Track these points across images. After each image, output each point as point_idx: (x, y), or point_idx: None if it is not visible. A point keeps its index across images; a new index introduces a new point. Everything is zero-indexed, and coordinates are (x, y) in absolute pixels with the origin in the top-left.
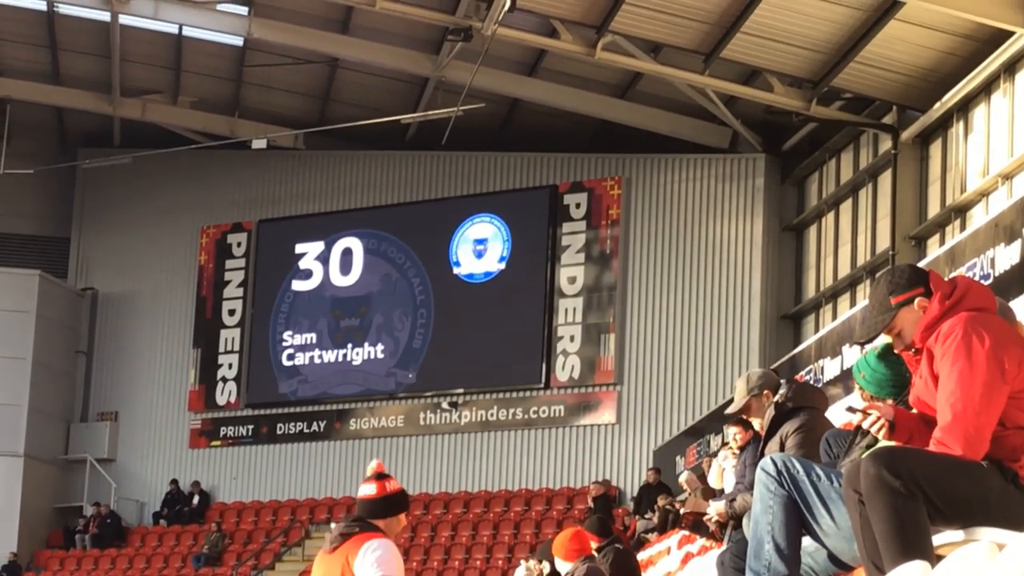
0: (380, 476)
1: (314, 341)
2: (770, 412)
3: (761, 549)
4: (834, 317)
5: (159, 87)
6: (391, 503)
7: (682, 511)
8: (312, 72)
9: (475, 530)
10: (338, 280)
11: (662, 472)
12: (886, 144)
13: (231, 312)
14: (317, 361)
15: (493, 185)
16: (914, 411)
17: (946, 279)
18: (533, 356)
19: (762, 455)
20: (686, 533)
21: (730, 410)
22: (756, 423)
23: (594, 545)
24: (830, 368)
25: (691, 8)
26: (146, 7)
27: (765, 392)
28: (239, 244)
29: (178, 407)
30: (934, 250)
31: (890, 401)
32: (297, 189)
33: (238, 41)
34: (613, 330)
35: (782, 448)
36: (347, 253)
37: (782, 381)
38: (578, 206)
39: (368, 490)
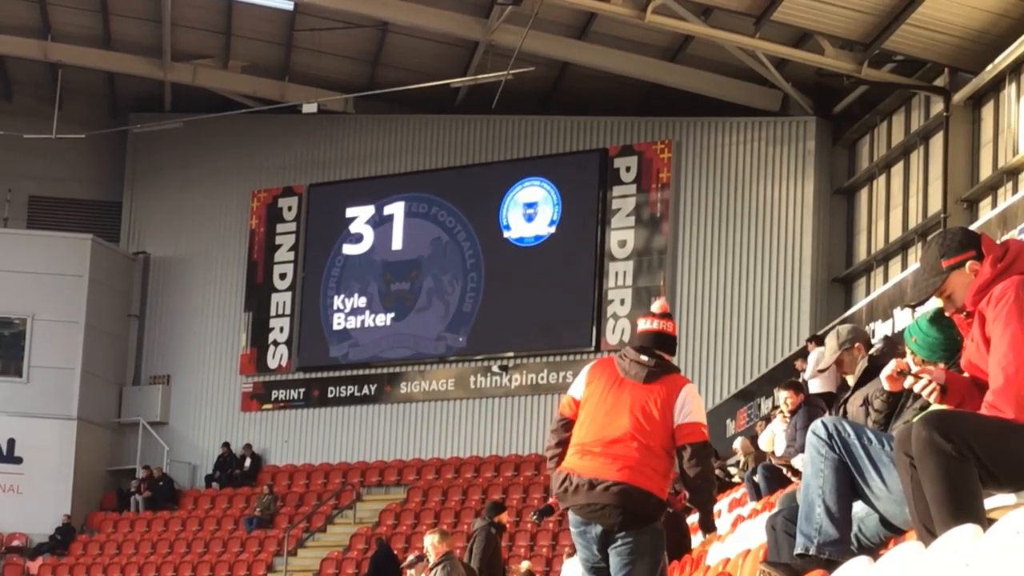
0: (668, 315)
1: (365, 305)
2: (862, 364)
3: (812, 512)
4: (885, 280)
5: (210, 51)
6: (675, 344)
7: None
8: (362, 36)
9: (526, 493)
10: (388, 244)
11: (709, 435)
12: (938, 106)
13: (282, 276)
14: (368, 325)
15: (543, 149)
16: (966, 375)
17: (998, 242)
18: (584, 319)
19: (844, 405)
20: (736, 496)
21: (822, 365)
22: (849, 379)
23: None
24: (881, 331)
25: None
26: None
27: (856, 345)
28: (290, 208)
29: (230, 370)
30: (986, 213)
31: (942, 365)
32: (347, 153)
33: (288, 5)
34: (663, 293)
35: (866, 404)
36: (397, 217)
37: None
38: (628, 169)
39: (662, 326)
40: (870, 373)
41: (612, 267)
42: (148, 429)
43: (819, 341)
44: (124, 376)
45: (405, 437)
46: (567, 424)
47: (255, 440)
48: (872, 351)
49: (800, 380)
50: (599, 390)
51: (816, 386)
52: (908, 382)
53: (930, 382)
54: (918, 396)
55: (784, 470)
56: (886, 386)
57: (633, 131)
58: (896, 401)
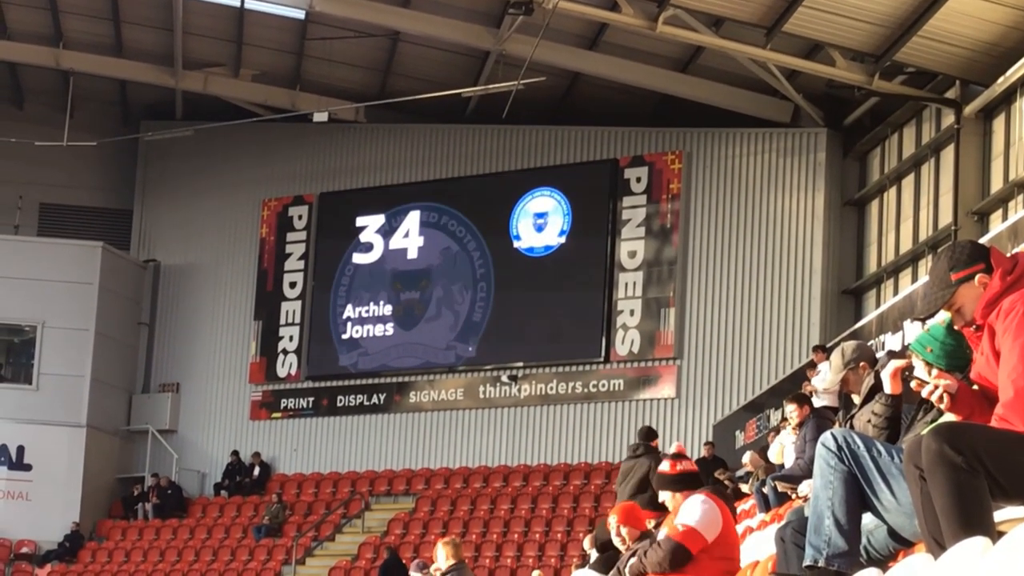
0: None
1: (375, 314)
2: (869, 381)
3: (821, 524)
4: (895, 292)
5: (221, 60)
6: None
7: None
8: (374, 45)
9: (534, 503)
10: (398, 253)
11: (719, 446)
12: (949, 119)
13: (292, 285)
14: (377, 334)
15: (554, 159)
16: (975, 387)
17: (1008, 255)
18: (593, 330)
19: (851, 421)
20: (745, 508)
21: (827, 385)
22: (855, 398)
23: (651, 522)
24: (891, 343)
25: None
26: None
27: (861, 364)
28: (300, 217)
29: (239, 379)
30: (996, 225)
31: (958, 375)
32: (358, 162)
33: (300, 14)
34: (673, 304)
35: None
36: (407, 226)
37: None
38: (639, 180)
39: None
40: (876, 390)
41: (622, 278)
42: (157, 437)
43: (824, 351)
44: (133, 384)
45: (414, 446)
46: None
47: (264, 448)
48: (877, 367)
49: (808, 391)
50: None
51: (819, 401)
52: (926, 391)
53: (936, 388)
54: (928, 409)
55: (791, 495)
56: (888, 387)
57: (644, 142)
58: (898, 405)
